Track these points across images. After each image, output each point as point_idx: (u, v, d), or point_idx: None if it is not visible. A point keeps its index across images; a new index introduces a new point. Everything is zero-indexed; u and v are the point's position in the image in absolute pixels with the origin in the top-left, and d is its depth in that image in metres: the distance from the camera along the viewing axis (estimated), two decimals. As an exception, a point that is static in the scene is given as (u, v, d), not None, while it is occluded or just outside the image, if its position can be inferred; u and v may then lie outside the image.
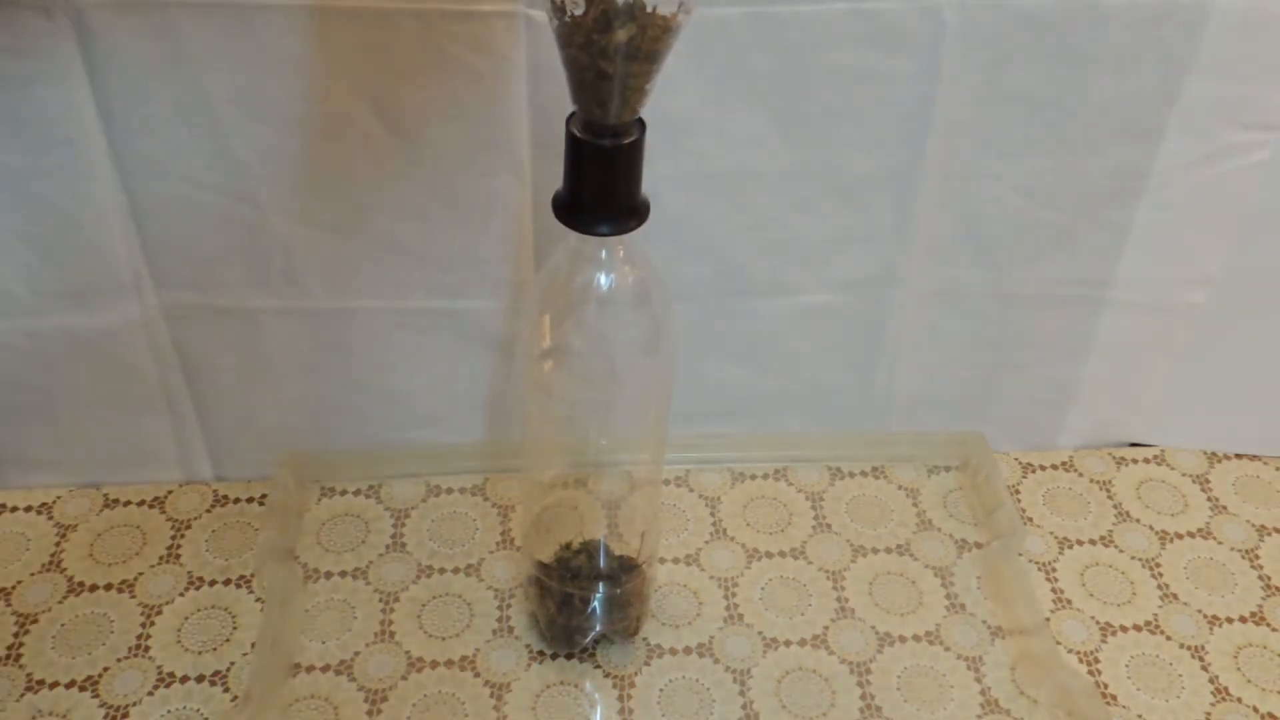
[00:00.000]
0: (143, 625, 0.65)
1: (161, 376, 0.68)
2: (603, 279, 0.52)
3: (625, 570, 0.63)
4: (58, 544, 0.70)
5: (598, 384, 0.57)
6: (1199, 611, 0.69)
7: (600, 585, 0.63)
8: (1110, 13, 0.59)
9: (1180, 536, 0.73)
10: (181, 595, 0.67)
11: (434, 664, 0.64)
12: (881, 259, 0.69)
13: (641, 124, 0.47)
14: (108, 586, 0.67)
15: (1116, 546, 0.72)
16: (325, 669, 0.63)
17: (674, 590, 0.68)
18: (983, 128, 0.63)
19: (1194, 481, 0.77)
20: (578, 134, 0.47)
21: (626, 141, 0.47)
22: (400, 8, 0.56)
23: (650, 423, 0.59)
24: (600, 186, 0.48)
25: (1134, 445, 0.79)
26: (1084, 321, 0.72)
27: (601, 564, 0.63)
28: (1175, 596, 0.69)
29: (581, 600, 0.63)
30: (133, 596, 0.67)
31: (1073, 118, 0.63)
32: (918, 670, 0.65)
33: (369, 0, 0.55)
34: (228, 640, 0.65)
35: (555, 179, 0.50)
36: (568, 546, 0.63)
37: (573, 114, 0.47)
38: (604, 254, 0.51)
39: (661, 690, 0.63)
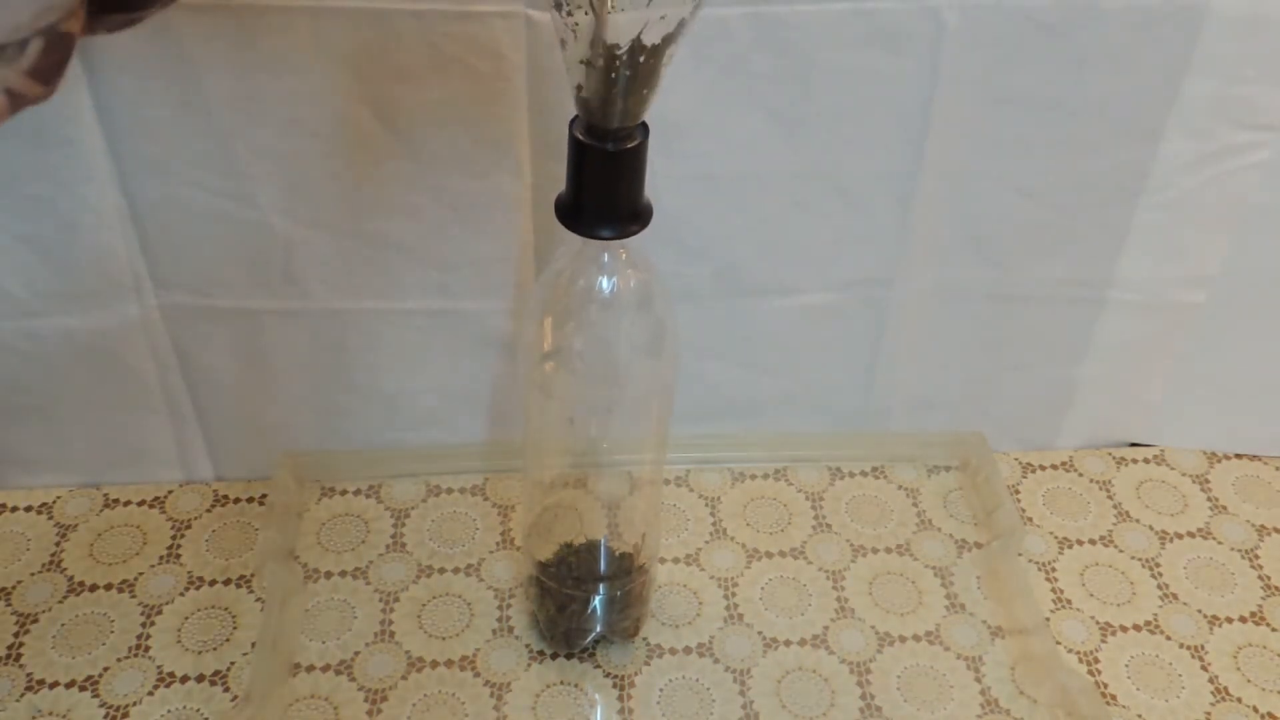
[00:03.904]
0: (143, 625, 0.65)
1: (161, 377, 0.68)
2: (605, 282, 0.52)
3: (625, 571, 0.63)
4: (58, 544, 0.70)
5: (599, 386, 0.57)
6: (1199, 611, 0.69)
7: (600, 586, 0.63)
8: (1110, 13, 0.59)
9: (1180, 536, 0.73)
10: (181, 595, 0.67)
11: (434, 664, 0.64)
12: (881, 259, 0.69)
13: (644, 128, 0.47)
14: (108, 586, 0.67)
15: (1116, 546, 0.72)
16: (325, 669, 0.63)
17: (674, 590, 0.68)
18: (983, 128, 0.63)
19: (1194, 481, 0.77)
20: (580, 138, 0.47)
21: (629, 146, 0.47)
22: (399, 8, 0.55)
23: (652, 424, 0.59)
24: (603, 190, 0.48)
25: (1134, 445, 0.80)
26: (1084, 321, 0.72)
27: (602, 564, 0.63)
28: (1175, 596, 0.69)
29: (582, 600, 0.63)
30: (133, 596, 0.67)
31: (1073, 118, 0.63)
32: (918, 670, 0.65)
33: (368, 0, 0.55)
34: (228, 640, 0.65)
35: (555, 179, 0.50)
36: (568, 547, 0.63)
37: (575, 118, 0.47)
38: (606, 257, 0.51)
39: (661, 690, 0.63)
